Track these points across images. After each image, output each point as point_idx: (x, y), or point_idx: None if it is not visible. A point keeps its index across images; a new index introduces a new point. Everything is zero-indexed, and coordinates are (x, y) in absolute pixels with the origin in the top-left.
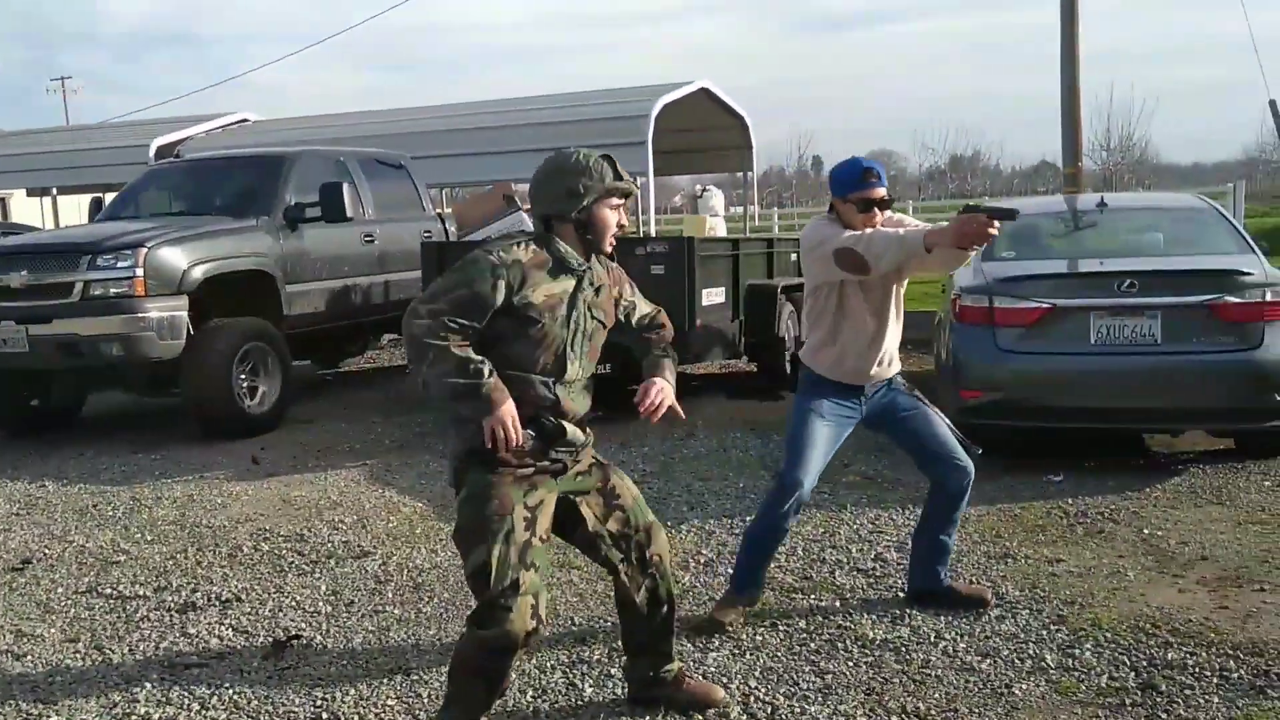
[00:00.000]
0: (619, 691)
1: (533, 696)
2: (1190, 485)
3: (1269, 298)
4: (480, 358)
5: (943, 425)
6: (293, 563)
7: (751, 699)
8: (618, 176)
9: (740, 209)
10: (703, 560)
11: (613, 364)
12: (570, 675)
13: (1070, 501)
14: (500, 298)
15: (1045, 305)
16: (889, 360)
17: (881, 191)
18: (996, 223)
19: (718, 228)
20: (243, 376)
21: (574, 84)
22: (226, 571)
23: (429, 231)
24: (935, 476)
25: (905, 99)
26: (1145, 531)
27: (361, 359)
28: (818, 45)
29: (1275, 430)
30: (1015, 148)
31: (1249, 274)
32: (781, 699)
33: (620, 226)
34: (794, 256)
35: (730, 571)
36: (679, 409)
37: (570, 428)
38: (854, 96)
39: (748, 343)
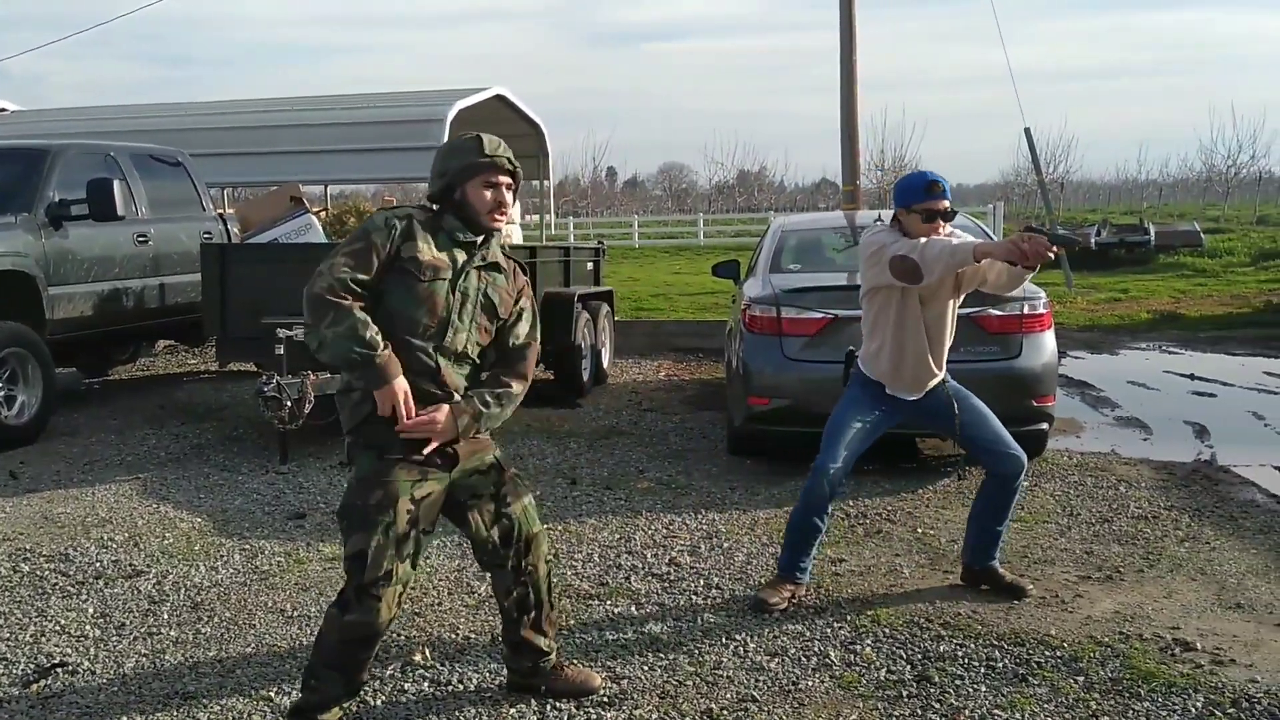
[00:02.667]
0: (410, 708)
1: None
2: (959, 487)
3: (1026, 311)
4: (376, 329)
5: (992, 416)
6: (56, 584)
7: (548, 707)
8: (482, 154)
9: (536, 217)
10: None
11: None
12: (360, 692)
13: (851, 503)
14: (394, 248)
15: (828, 316)
16: (942, 369)
17: (945, 204)
18: (1053, 249)
19: (514, 235)
20: None
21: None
22: None
23: (209, 232)
24: (989, 466)
25: (695, 114)
26: (919, 531)
27: (133, 366)
28: (612, 57)
29: (1032, 434)
30: (798, 165)
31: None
32: (575, 707)
33: (499, 204)
34: (590, 265)
35: None
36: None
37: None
38: (646, 109)
39: (545, 350)
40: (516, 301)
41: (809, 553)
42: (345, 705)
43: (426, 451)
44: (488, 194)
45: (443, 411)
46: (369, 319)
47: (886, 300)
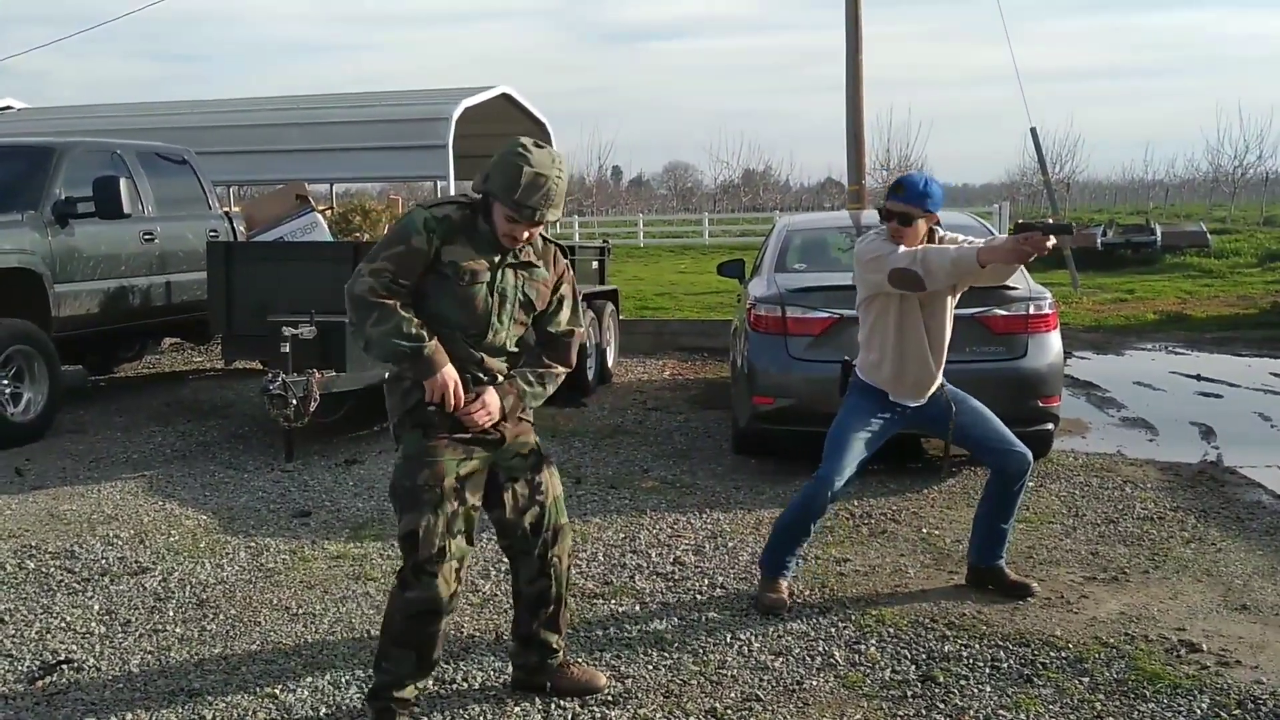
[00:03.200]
0: (416, 706)
1: (325, 714)
2: (964, 487)
3: (1031, 311)
4: (419, 322)
5: (992, 415)
6: (62, 581)
7: (553, 706)
8: (514, 195)
9: None
10: (504, 568)
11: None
12: (365, 689)
13: (856, 504)
14: (432, 251)
15: (833, 315)
16: (941, 372)
17: (904, 208)
18: (1052, 237)
19: None
20: (5, 382)
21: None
22: None
23: (215, 231)
24: (994, 464)
25: (700, 113)
26: (924, 531)
27: (139, 364)
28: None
29: (1037, 434)
30: (803, 164)
31: (1014, 289)
32: (581, 705)
33: (513, 237)
34: (595, 264)
35: None
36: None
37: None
38: (652, 108)
39: None
40: (556, 290)
41: (794, 551)
42: (421, 685)
43: (474, 431)
44: (506, 224)
45: (491, 394)
46: (412, 315)
47: (885, 307)
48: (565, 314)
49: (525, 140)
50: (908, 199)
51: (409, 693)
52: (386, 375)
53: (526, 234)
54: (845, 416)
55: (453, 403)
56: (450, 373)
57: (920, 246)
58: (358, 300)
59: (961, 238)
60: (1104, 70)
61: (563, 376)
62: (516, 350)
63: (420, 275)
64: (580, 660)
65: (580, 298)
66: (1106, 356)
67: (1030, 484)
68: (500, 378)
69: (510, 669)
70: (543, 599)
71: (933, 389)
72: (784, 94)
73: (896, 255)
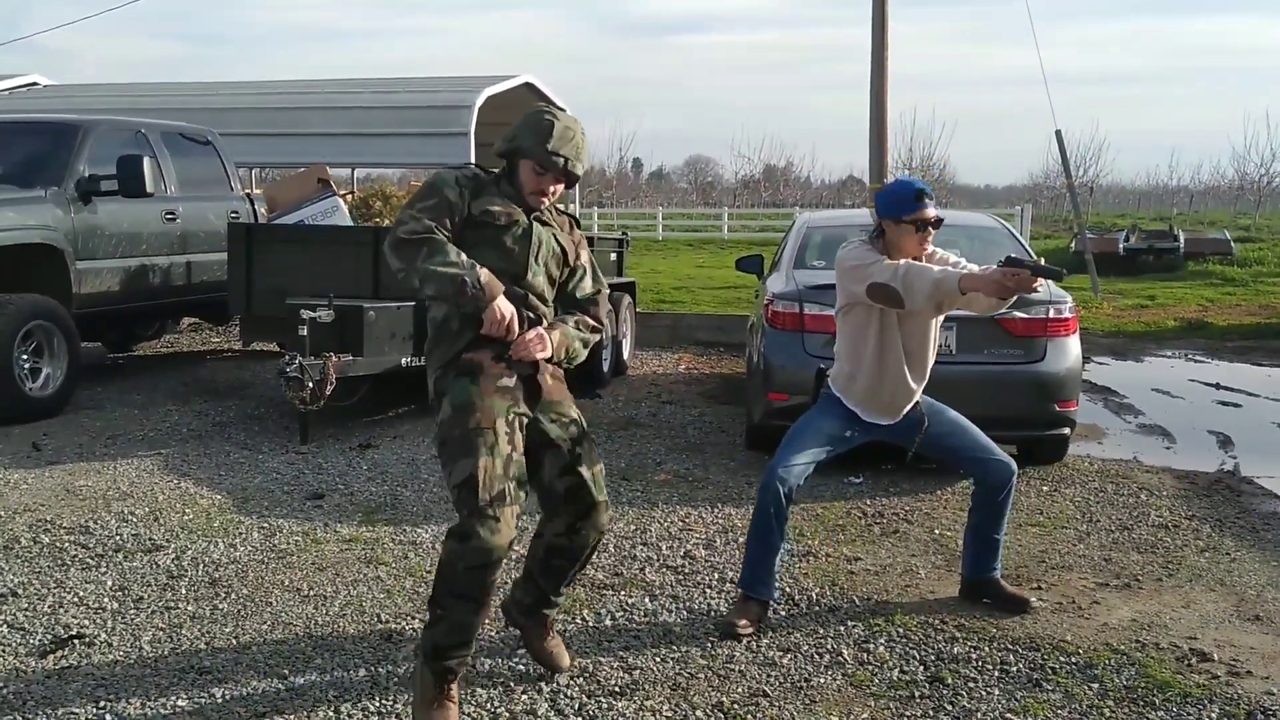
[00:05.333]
0: None
1: (334, 695)
2: None
3: (1051, 315)
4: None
5: (971, 425)
6: (76, 556)
7: (560, 695)
8: (545, 145)
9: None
10: (514, 557)
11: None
12: (373, 673)
13: (868, 502)
14: (465, 205)
15: None
16: (920, 391)
17: (933, 212)
18: (1038, 282)
19: None
20: (25, 357)
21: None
22: (2, 565)
23: (236, 212)
24: (975, 475)
25: (722, 107)
26: (936, 532)
27: (158, 343)
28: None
29: (1054, 438)
30: (824, 161)
31: (1034, 292)
32: (588, 695)
33: (540, 192)
34: (613, 256)
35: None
36: (545, 357)
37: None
38: (674, 101)
39: None
40: (578, 256)
41: (769, 567)
42: (478, 635)
43: (519, 367)
44: (534, 178)
45: (544, 330)
46: (448, 255)
47: (865, 320)
48: (588, 280)
49: (543, 107)
50: (935, 202)
51: (470, 650)
52: (431, 321)
53: (554, 189)
54: (811, 415)
55: (513, 330)
56: (506, 301)
57: (904, 262)
58: (400, 243)
59: (952, 258)
60: (1131, 75)
61: (597, 338)
62: (550, 305)
63: (456, 230)
64: (559, 636)
65: (596, 265)
66: (1125, 362)
67: (1045, 488)
68: (545, 321)
69: (503, 600)
70: (558, 552)
71: (908, 408)
72: (807, 90)
73: (879, 268)
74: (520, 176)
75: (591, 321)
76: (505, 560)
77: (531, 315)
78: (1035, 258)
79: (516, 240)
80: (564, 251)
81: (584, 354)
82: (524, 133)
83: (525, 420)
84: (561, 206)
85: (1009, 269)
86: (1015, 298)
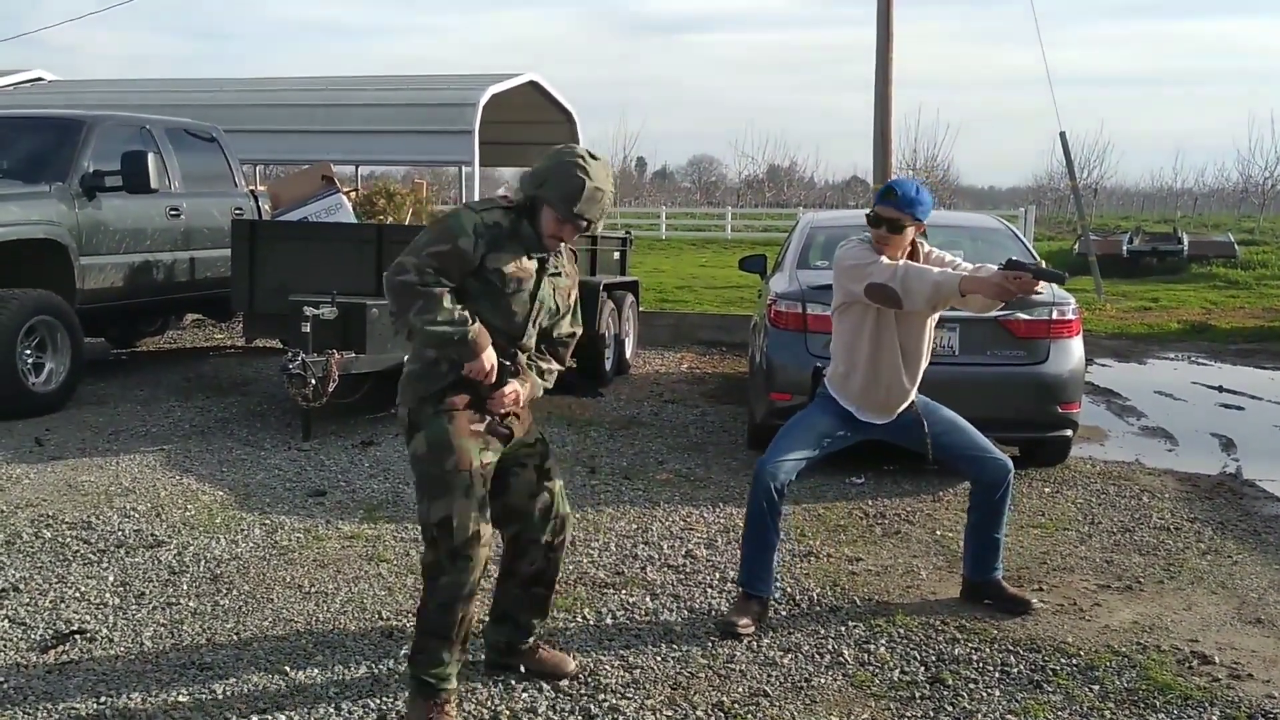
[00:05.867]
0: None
1: (334, 693)
2: None
3: (1054, 316)
4: (461, 305)
5: (967, 424)
6: (78, 551)
7: (560, 694)
8: (574, 204)
9: None
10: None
11: None
12: (375, 670)
13: (870, 503)
14: (478, 257)
15: None
16: (915, 390)
17: (891, 212)
18: (1039, 284)
19: None
20: (28, 352)
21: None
22: (3, 560)
23: (240, 209)
24: (973, 475)
25: (726, 107)
26: (938, 533)
27: (161, 339)
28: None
29: (1056, 440)
30: (828, 162)
31: (1038, 294)
32: (589, 694)
33: (558, 239)
34: (616, 255)
35: None
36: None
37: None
38: (678, 100)
39: None
40: (568, 297)
41: (767, 564)
42: (459, 658)
43: (494, 416)
44: (555, 227)
45: (514, 383)
46: (455, 302)
47: (861, 318)
48: (568, 321)
49: (582, 150)
50: (899, 205)
51: (454, 682)
52: (410, 360)
53: (572, 237)
54: (805, 414)
55: (492, 378)
56: (492, 354)
57: (903, 263)
58: (399, 288)
59: (948, 257)
60: (1136, 76)
61: (559, 372)
62: (532, 356)
63: (462, 276)
64: (548, 645)
65: (578, 303)
66: (1128, 364)
67: (1047, 489)
68: (520, 370)
69: (484, 650)
70: (539, 579)
71: (902, 407)
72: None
73: (877, 268)
74: (541, 220)
75: (557, 365)
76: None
77: (511, 366)
78: (1038, 260)
79: (520, 304)
80: (559, 308)
81: (540, 393)
82: (553, 183)
83: (494, 460)
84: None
85: (1011, 271)
86: (1015, 298)
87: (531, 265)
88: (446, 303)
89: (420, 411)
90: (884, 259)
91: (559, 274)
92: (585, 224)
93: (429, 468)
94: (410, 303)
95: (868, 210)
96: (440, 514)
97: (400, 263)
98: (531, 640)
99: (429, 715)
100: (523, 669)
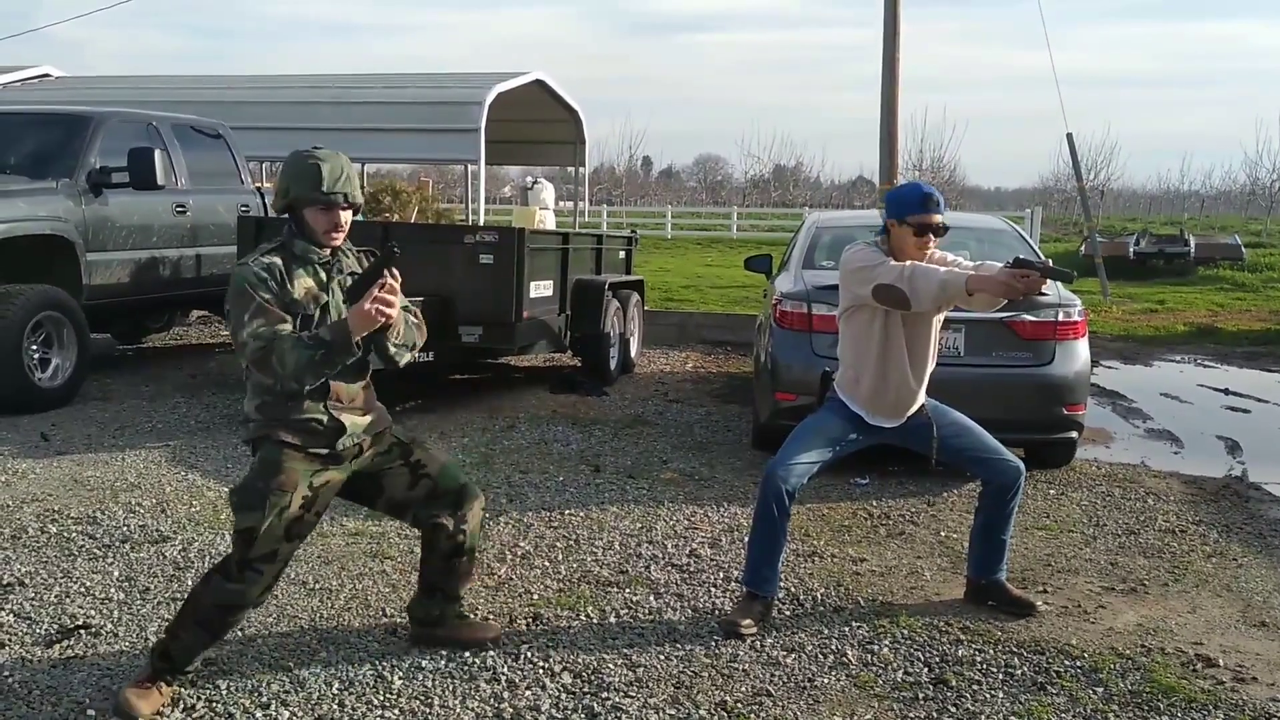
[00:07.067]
0: (428, 684)
1: (338, 689)
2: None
3: (1060, 318)
4: (300, 331)
5: (977, 427)
6: (83, 546)
7: (563, 692)
8: (319, 189)
9: (570, 204)
10: (520, 553)
11: (433, 351)
12: (378, 667)
13: (875, 504)
14: (283, 293)
15: None
16: (923, 392)
17: (938, 218)
18: (1046, 283)
19: (547, 221)
20: (34, 348)
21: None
22: (9, 554)
23: (247, 205)
24: (984, 476)
25: (733, 106)
26: (942, 534)
27: (167, 335)
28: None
29: (1062, 441)
30: (834, 162)
31: (1044, 295)
32: (591, 693)
33: (334, 226)
34: (621, 254)
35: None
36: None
37: (349, 419)
38: (684, 99)
39: (573, 337)
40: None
41: (773, 565)
42: (193, 667)
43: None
44: (323, 218)
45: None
46: (293, 332)
47: (869, 321)
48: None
49: (304, 148)
50: (940, 208)
51: (195, 664)
52: (255, 391)
53: (345, 221)
54: (816, 419)
55: (384, 304)
56: (356, 314)
57: (909, 264)
58: (258, 362)
59: (951, 257)
60: (1144, 78)
61: (423, 334)
62: (363, 364)
63: (285, 308)
64: (471, 616)
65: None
66: (1134, 367)
67: (1052, 491)
68: (349, 412)
69: (410, 626)
70: (457, 548)
71: (912, 409)
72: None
73: (884, 269)
74: (310, 227)
75: (417, 317)
76: (249, 613)
77: (321, 425)
78: (1044, 260)
79: (325, 313)
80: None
81: (406, 352)
82: (294, 184)
83: (337, 478)
84: (354, 252)
85: (1018, 270)
86: (1021, 297)
87: (314, 280)
88: (288, 338)
89: (262, 440)
90: (891, 260)
91: (348, 267)
92: (346, 202)
93: (254, 480)
94: (270, 362)
95: (904, 219)
96: (245, 524)
97: (241, 346)
98: (456, 610)
99: (150, 688)
100: (445, 638)
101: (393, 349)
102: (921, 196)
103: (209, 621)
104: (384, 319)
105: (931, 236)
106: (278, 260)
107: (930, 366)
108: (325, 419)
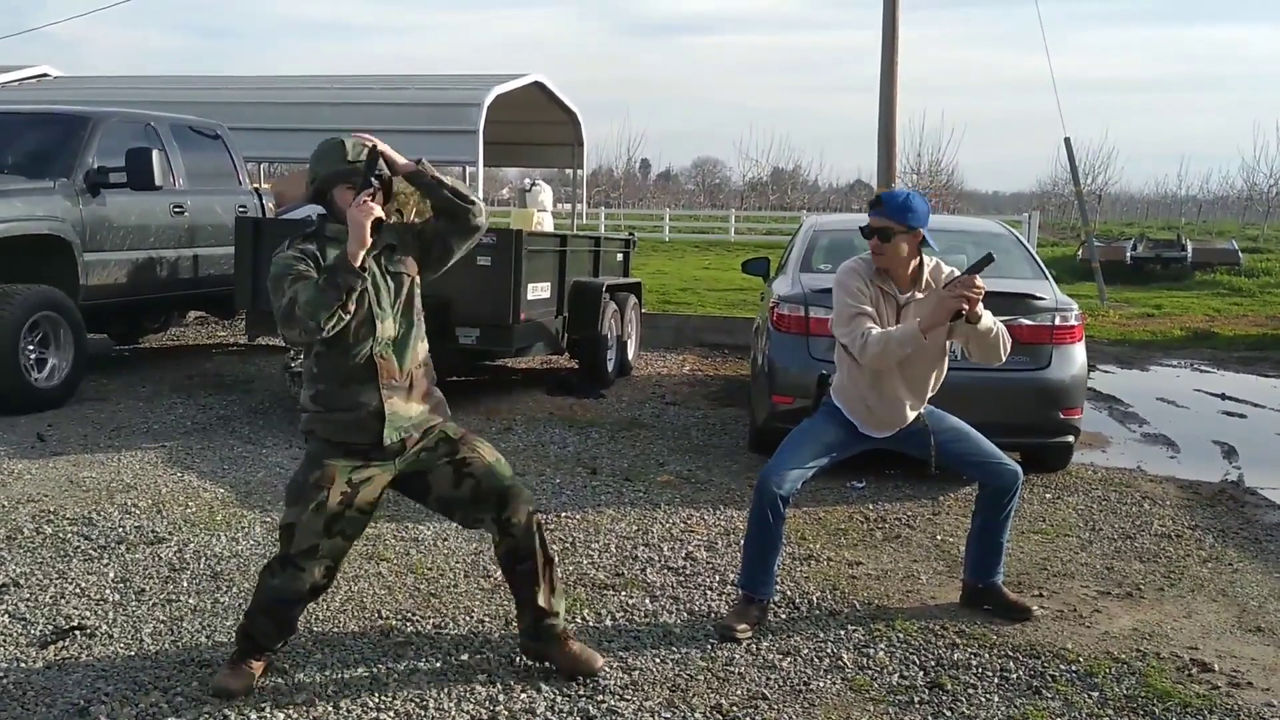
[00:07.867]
0: (423, 687)
1: (333, 691)
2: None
3: (1057, 322)
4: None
5: (974, 431)
6: (78, 547)
7: (558, 694)
8: (345, 160)
9: (568, 206)
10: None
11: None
12: (373, 669)
13: (871, 507)
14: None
15: None
16: (921, 408)
17: (878, 221)
18: (977, 278)
19: (545, 223)
20: (31, 348)
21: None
22: (4, 555)
23: (244, 206)
24: (982, 480)
25: (731, 109)
26: (938, 538)
27: (164, 336)
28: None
29: (1058, 445)
30: (832, 165)
31: (1041, 299)
32: (587, 695)
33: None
34: (619, 256)
35: None
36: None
37: (397, 405)
38: (682, 102)
39: (570, 339)
40: (423, 233)
41: (768, 568)
42: (280, 644)
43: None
44: (351, 194)
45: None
46: (310, 281)
47: None
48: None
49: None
50: (887, 214)
51: (276, 649)
52: (309, 379)
53: (377, 198)
54: (808, 423)
55: (368, 215)
56: (360, 238)
57: (874, 333)
58: (285, 317)
59: (947, 270)
60: (1141, 83)
61: (462, 189)
62: (413, 343)
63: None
64: (582, 641)
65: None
66: (1131, 371)
67: (1048, 495)
68: (396, 383)
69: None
70: (515, 555)
71: (906, 423)
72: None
73: (846, 330)
74: (335, 209)
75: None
76: (311, 601)
77: (380, 392)
78: (1041, 265)
79: (360, 296)
80: (401, 275)
81: (473, 202)
82: (320, 165)
83: (380, 474)
84: (392, 224)
85: (948, 284)
86: (982, 317)
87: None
88: (306, 287)
89: (310, 435)
90: (865, 313)
91: (389, 246)
92: (371, 169)
93: (298, 475)
94: (295, 313)
95: (863, 223)
96: (287, 520)
97: (279, 317)
98: (556, 625)
99: (240, 666)
100: (552, 659)
101: (451, 194)
102: (872, 200)
103: (271, 611)
104: (371, 216)
105: (879, 239)
106: (311, 245)
107: (932, 386)
108: (374, 404)
